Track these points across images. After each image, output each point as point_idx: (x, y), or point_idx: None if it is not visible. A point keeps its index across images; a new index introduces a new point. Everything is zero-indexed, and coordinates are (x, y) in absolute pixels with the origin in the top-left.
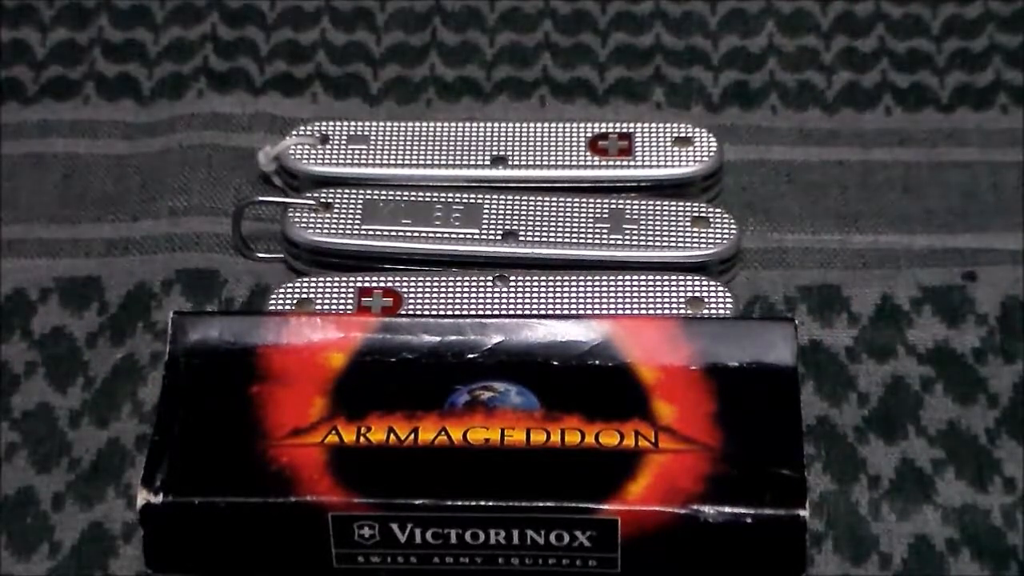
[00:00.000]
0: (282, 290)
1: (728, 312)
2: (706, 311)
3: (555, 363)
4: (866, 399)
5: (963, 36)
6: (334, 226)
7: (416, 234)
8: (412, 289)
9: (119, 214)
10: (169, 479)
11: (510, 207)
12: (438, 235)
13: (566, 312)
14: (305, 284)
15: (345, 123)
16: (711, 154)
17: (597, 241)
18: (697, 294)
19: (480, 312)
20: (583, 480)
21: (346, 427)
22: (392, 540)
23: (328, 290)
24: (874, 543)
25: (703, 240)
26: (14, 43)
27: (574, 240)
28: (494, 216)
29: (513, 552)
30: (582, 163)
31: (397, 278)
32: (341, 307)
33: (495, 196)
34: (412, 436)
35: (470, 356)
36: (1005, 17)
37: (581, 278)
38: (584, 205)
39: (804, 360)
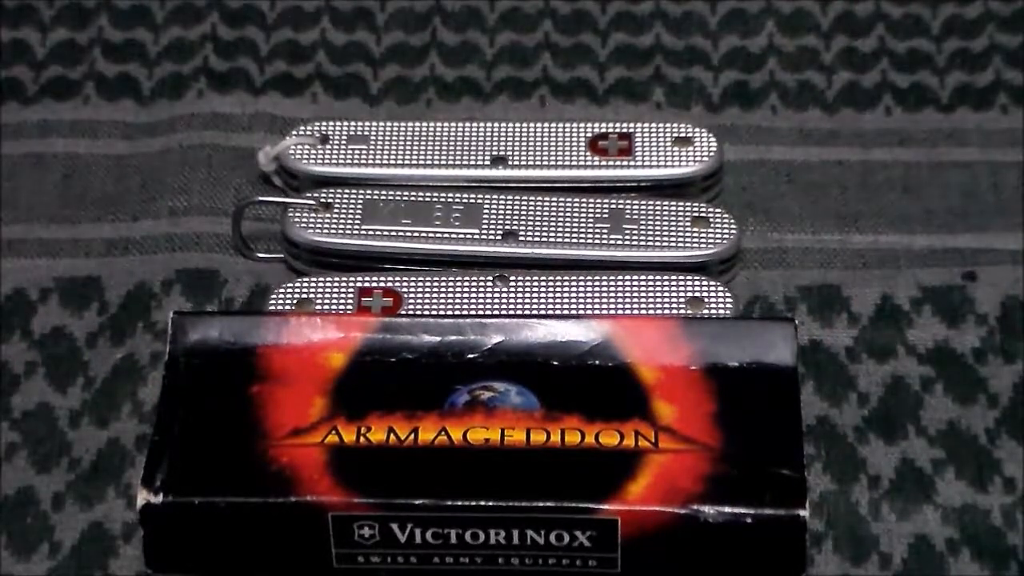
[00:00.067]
0: (282, 290)
1: (728, 312)
2: (706, 311)
3: (555, 363)
4: (866, 399)
5: (963, 36)
6: (334, 226)
7: (416, 234)
8: (412, 289)
9: (119, 214)
10: (169, 479)
11: (510, 207)
12: (438, 235)
13: (566, 312)
14: (305, 284)
15: (345, 123)
16: (711, 154)
17: (597, 241)
18: (697, 294)
19: (480, 312)
20: (583, 480)
21: (346, 427)
22: (392, 540)
23: (328, 290)
24: (874, 543)
25: (703, 240)
26: (14, 43)
27: (574, 240)
28: (494, 216)
29: (513, 552)
30: (582, 163)
31: (397, 278)
32: (341, 307)
33: (495, 196)
34: (412, 436)
35: (470, 356)
36: (1005, 17)
37: (581, 278)
38: (584, 205)
39: (804, 360)
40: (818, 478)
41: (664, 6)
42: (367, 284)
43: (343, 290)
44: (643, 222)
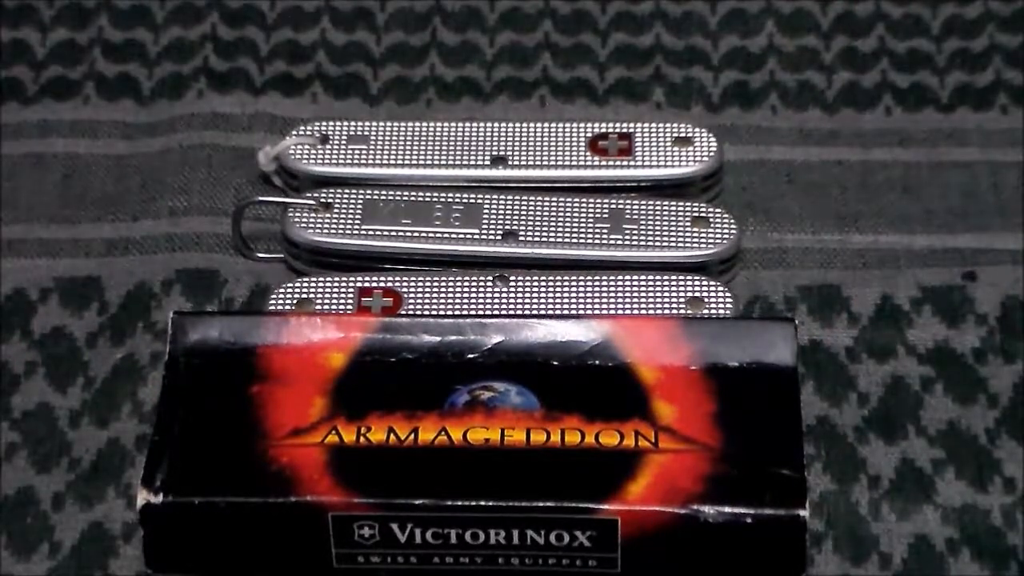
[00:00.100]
0: (282, 290)
1: (728, 312)
2: (706, 311)
3: (555, 363)
4: (866, 399)
5: (963, 36)
6: (334, 226)
7: (416, 234)
8: (412, 289)
9: (119, 214)
10: (169, 479)
11: (510, 207)
12: (438, 235)
13: (566, 312)
14: (305, 284)
15: (345, 123)
16: (711, 154)
17: (597, 241)
18: (697, 294)
19: (480, 312)
20: (583, 480)
21: (346, 427)
22: (392, 540)
23: (328, 290)
24: (874, 543)
25: (703, 240)
26: (14, 43)
27: (574, 240)
28: (494, 216)
29: (513, 552)
30: (582, 163)
31: (397, 278)
32: (341, 307)
33: (495, 196)
34: (412, 436)
35: (470, 356)
36: (1005, 17)
37: (581, 278)
38: (584, 205)
39: (804, 360)
40: (818, 478)
41: (664, 6)
42: (367, 284)
43: (343, 290)
44: (643, 222)
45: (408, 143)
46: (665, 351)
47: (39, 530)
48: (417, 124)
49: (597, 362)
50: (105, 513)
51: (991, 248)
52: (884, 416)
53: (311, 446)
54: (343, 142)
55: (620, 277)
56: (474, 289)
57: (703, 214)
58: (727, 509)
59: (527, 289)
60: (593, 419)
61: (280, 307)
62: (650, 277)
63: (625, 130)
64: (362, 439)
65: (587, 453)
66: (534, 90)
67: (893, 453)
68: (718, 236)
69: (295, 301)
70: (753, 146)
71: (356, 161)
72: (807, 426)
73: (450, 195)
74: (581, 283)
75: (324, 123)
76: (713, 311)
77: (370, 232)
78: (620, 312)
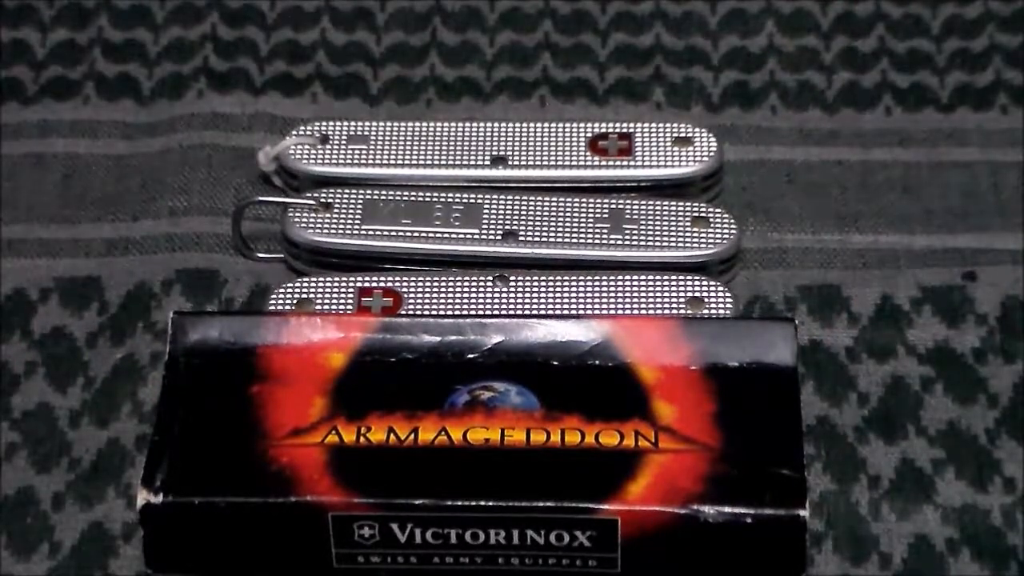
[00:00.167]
0: (282, 290)
1: (728, 312)
2: (706, 311)
3: (555, 363)
4: (866, 399)
5: (963, 36)
6: (334, 226)
7: (416, 234)
8: (412, 289)
9: (119, 214)
10: (169, 479)
11: (510, 207)
12: (438, 235)
13: (566, 312)
14: (305, 284)
15: (345, 123)
16: (711, 154)
17: (597, 241)
18: (697, 294)
19: (480, 312)
20: (583, 480)
21: (346, 427)
22: (392, 540)
23: (328, 290)
24: (874, 543)
25: (703, 240)
26: (14, 43)
27: (574, 240)
28: (494, 216)
29: (513, 552)
30: (582, 163)
31: (397, 278)
32: (341, 307)
33: (495, 196)
34: (412, 436)
35: (470, 356)
36: (1005, 17)
37: (581, 278)
38: (584, 205)
39: (804, 360)
40: (818, 478)
41: (664, 6)
42: (367, 284)
43: (343, 290)
44: (643, 222)
45: (408, 143)
46: (665, 351)
47: (39, 530)
48: (417, 124)
49: (597, 362)
50: (105, 513)
51: (991, 248)
52: (884, 416)
53: (311, 446)
54: (343, 142)
55: (620, 277)
56: (474, 289)
57: (703, 214)
58: (727, 509)
59: (527, 289)
60: (593, 419)
61: (280, 307)
62: (650, 277)
63: (625, 130)
64: (362, 439)
65: (587, 453)
66: (534, 90)
67: (893, 453)
68: (718, 236)
69: (295, 301)
70: (753, 146)
71: (356, 161)
72: (807, 426)
73: (450, 195)
74: (581, 283)
75: (324, 123)
76: (713, 311)
77: (370, 232)
78: (620, 312)
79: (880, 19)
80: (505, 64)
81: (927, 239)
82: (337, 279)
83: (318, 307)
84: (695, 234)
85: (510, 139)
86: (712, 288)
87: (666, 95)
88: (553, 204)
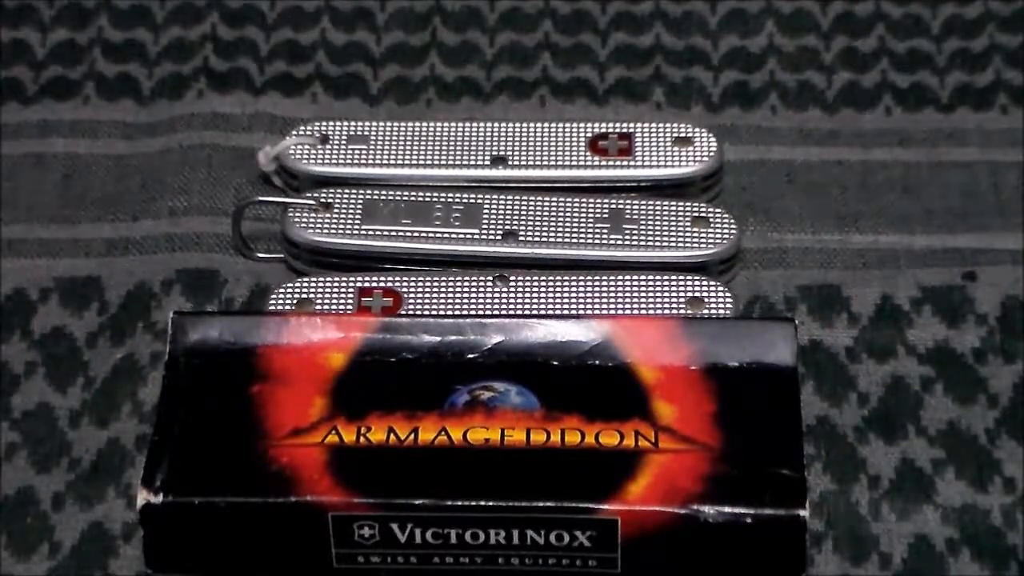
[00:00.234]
0: (282, 290)
1: (728, 312)
2: (706, 311)
3: (555, 363)
4: (866, 399)
5: (963, 36)
6: (334, 226)
7: (416, 234)
8: (412, 289)
9: (119, 214)
10: (169, 479)
11: (510, 207)
12: (438, 235)
13: (566, 312)
14: (305, 284)
15: (345, 123)
16: (711, 154)
17: (597, 241)
18: (697, 294)
19: (480, 312)
20: (583, 480)
21: (346, 427)
22: (392, 540)
23: (328, 290)
24: (874, 543)
25: (703, 240)
26: (14, 43)
27: (574, 240)
28: (494, 216)
29: (513, 552)
30: (582, 163)
31: (397, 278)
32: (341, 307)
33: (495, 196)
34: (412, 436)
35: (470, 356)
36: (1005, 17)
37: (581, 278)
38: (584, 205)
39: (804, 360)
40: (818, 478)
41: (664, 6)
42: (367, 284)
43: (343, 290)
44: (643, 222)
45: (408, 143)
46: (665, 351)
47: (39, 530)
48: (417, 124)
49: (597, 362)
50: (105, 513)
51: (991, 248)
52: (884, 416)
53: (311, 446)
54: (343, 142)
55: (620, 277)
56: (474, 289)
57: (703, 214)
58: (727, 509)
59: (527, 289)
60: (593, 419)
61: (280, 307)
62: (650, 277)
63: (625, 130)
64: (362, 439)
65: (587, 453)
66: (534, 90)
67: (893, 453)
68: (718, 236)
69: (295, 301)
70: (753, 146)
71: (356, 161)
72: (807, 426)
73: (450, 195)
74: (581, 283)
75: (324, 123)
76: (713, 311)
77: (370, 232)
78: (620, 312)
79: (880, 19)
80: (505, 64)
81: (927, 239)
82: (337, 279)
83: (318, 307)
84: (695, 234)
85: (510, 139)
86: (712, 288)
87: (666, 95)
88: (553, 204)
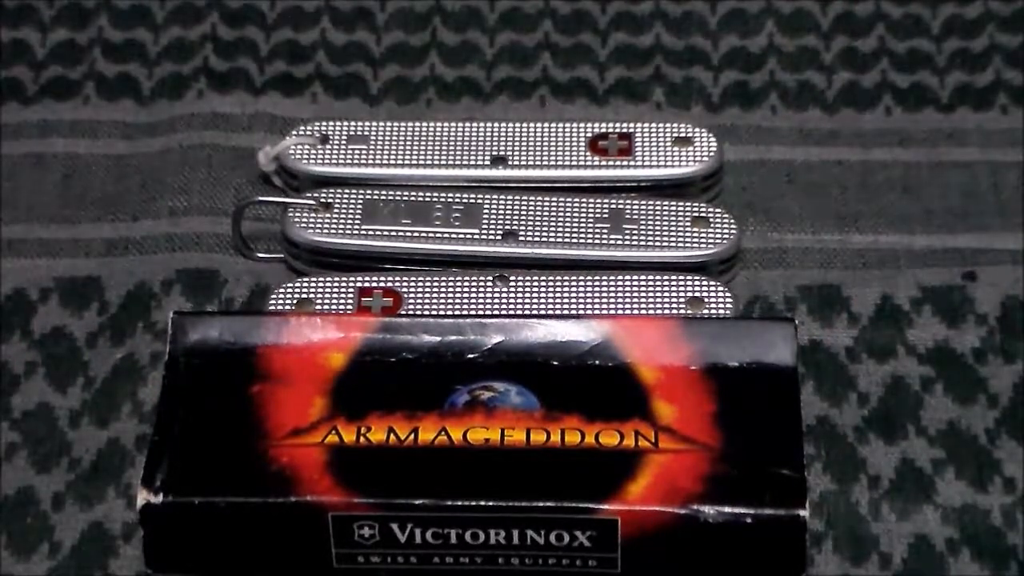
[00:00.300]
0: (282, 290)
1: (728, 312)
2: (706, 311)
3: (555, 363)
4: (866, 399)
5: (963, 36)
6: (334, 226)
7: (416, 234)
8: (412, 289)
9: (119, 214)
10: (169, 479)
11: (510, 207)
12: (438, 235)
13: (566, 312)
14: (305, 284)
15: (345, 123)
16: (711, 154)
17: (597, 241)
18: (697, 294)
19: (480, 312)
20: (583, 480)
21: (346, 427)
22: (392, 540)
23: (328, 290)
24: (874, 543)
25: (703, 240)
26: (14, 43)
27: (574, 240)
28: (494, 216)
29: (513, 552)
30: (582, 163)
31: (397, 278)
32: (341, 307)
33: (495, 196)
34: (412, 436)
35: (470, 356)
36: (1005, 17)
37: (581, 278)
38: (584, 205)
39: (804, 360)
40: (818, 478)
41: (664, 6)
42: (367, 284)
43: (343, 290)
44: (643, 222)
45: (408, 143)
46: (665, 351)
47: (39, 530)
48: (417, 124)
49: (597, 362)
50: (105, 513)
51: (991, 248)
52: (884, 416)
53: (311, 446)
54: (343, 142)
55: (620, 277)
56: (474, 289)
57: (703, 214)
58: (727, 509)
59: (527, 289)
60: (593, 419)
61: (280, 307)
62: (650, 277)
63: (625, 130)
64: (362, 439)
65: (587, 453)
66: (534, 90)
67: (893, 453)
68: (718, 236)
69: (295, 301)
70: (753, 146)
71: (356, 161)
72: (807, 426)
73: (450, 195)
74: (581, 283)
75: (324, 123)
76: (713, 311)
77: (370, 232)
78: (620, 312)
79: (880, 19)
80: (505, 64)
81: (927, 239)
82: (337, 279)
83: (318, 307)
84: (695, 234)
85: (510, 139)
86: (712, 288)
87: (666, 95)
88: (553, 204)
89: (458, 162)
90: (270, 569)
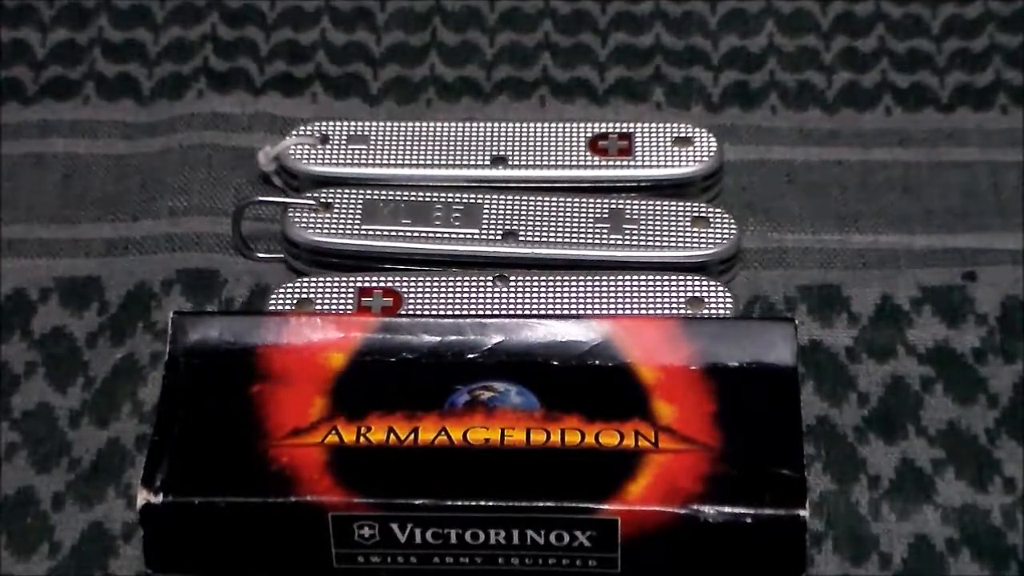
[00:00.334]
0: (282, 290)
1: (728, 312)
2: (706, 311)
3: (555, 363)
4: (866, 399)
5: (963, 36)
6: (334, 226)
7: (416, 234)
8: (412, 289)
9: (119, 214)
10: (169, 479)
11: (510, 207)
12: (438, 235)
13: (566, 312)
14: (305, 284)
15: (345, 123)
16: (711, 154)
17: (597, 241)
18: (697, 294)
19: (480, 312)
20: (583, 480)
21: (346, 427)
22: (392, 540)
23: (328, 290)
24: (874, 543)
25: (703, 240)
26: (14, 43)
27: (574, 240)
28: (494, 216)
29: (513, 552)
30: (582, 163)
31: (397, 278)
32: (341, 307)
33: (495, 196)
34: (412, 436)
35: (470, 356)
36: (1005, 17)
37: (581, 278)
38: (584, 205)
39: (804, 360)
40: (818, 478)
41: (664, 6)
42: (367, 284)
43: (343, 290)
44: (643, 222)
45: (408, 143)
46: (665, 351)
47: (39, 530)
48: (417, 124)
49: (597, 362)
50: (105, 513)
51: (991, 248)
52: (884, 416)
53: (311, 446)
54: (343, 142)
55: (620, 277)
56: (474, 289)
57: (703, 214)
58: (727, 509)
59: (527, 289)
60: (593, 419)
61: (280, 307)
62: (650, 277)
63: (625, 130)
64: (362, 439)
65: (587, 453)
66: (534, 90)
67: (893, 453)
68: (718, 236)
69: (295, 301)
70: (753, 146)
71: (356, 161)
72: (807, 426)
73: (450, 195)
74: (581, 283)
75: (324, 123)
76: (713, 311)
77: (370, 232)
78: (620, 312)
79: (880, 19)
80: (505, 64)
81: (927, 239)
82: (337, 279)
83: (318, 307)
84: (695, 234)
85: (510, 139)
86: (712, 288)
87: (666, 95)
88: (553, 204)
89: (458, 162)
90: (270, 569)
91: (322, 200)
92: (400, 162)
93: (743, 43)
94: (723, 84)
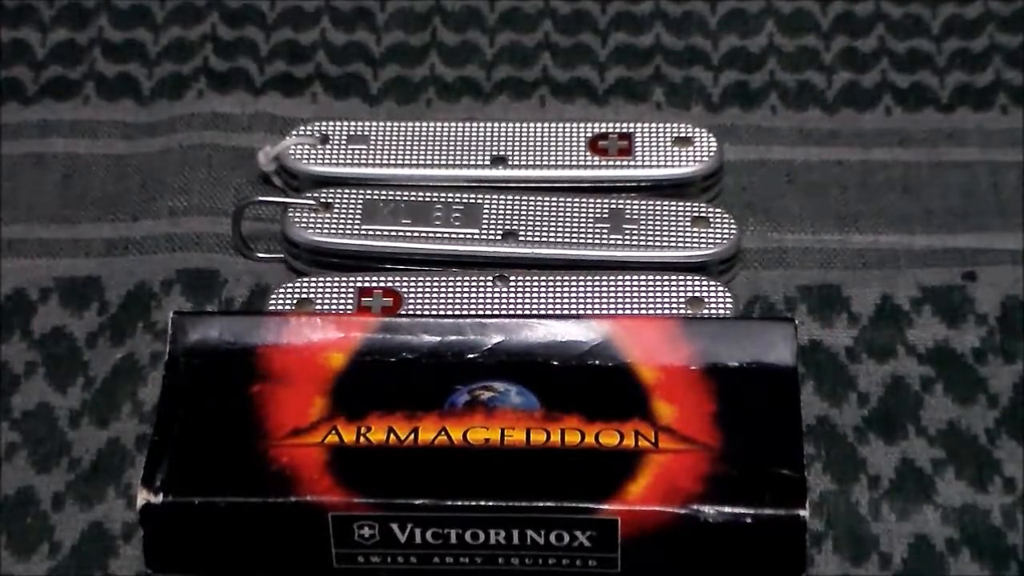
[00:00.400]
0: (282, 290)
1: (728, 312)
2: (706, 311)
3: (555, 363)
4: (866, 399)
5: (963, 36)
6: (334, 226)
7: (416, 234)
8: (412, 289)
9: (119, 214)
10: (169, 479)
11: (510, 207)
12: (438, 235)
13: (566, 312)
14: (305, 284)
15: (345, 123)
16: (711, 154)
17: (597, 241)
18: (697, 294)
19: (480, 312)
20: (583, 480)
21: (346, 427)
22: (392, 540)
23: (328, 290)
24: (874, 543)
25: (703, 240)
26: (14, 43)
27: (574, 240)
28: (494, 216)
29: (513, 552)
30: (582, 163)
31: (397, 278)
32: (341, 307)
33: (495, 196)
34: (412, 436)
35: (470, 356)
36: (1005, 17)
37: (581, 278)
38: (584, 205)
39: (804, 360)
40: (818, 478)
41: (664, 6)
42: (367, 284)
43: (343, 290)
44: (643, 222)
45: (408, 143)
46: (665, 351)
47: (39, 530)
48: (417, 124)
49: (597, 362)
50: (105, 513)
51: (991, 248)
52: (884, 416)
53: (311, 446)
54: (343, 142)
55: (620, 277)
56: (474, 289)
57: (703, 214)
58: (727, 509)
59: (527, 289)
60: (593, 419)
61: (280, 307)
62: (650, 277)
63: (625, 130)
64: (362, 439)
65: (587, 453)
66: (534, 90)
67: (893, 453)
68: (718, 236)
69: (295, 301)
70: (753, 146)
71: (356, 161)
72: (807, 426)
73: (450, 195)
74: (581, 283)
75: (324, 123)
76: (713, 311)
77: (370, 232)
78: (620, 312)
79: (880, 19)
80: (505, 64)
81: (927, 239)
82: (337, 279)
83: (318, 307)
84: (695, 234)
85: (510, 139)
86: (712, 288)
87: (666, 95)
88: (553, 204)
89: (458, 162)
90: (270, 569)
91: (322, 200)
92: (400, 162)
93: (743, 43)
94: (723, 84)
